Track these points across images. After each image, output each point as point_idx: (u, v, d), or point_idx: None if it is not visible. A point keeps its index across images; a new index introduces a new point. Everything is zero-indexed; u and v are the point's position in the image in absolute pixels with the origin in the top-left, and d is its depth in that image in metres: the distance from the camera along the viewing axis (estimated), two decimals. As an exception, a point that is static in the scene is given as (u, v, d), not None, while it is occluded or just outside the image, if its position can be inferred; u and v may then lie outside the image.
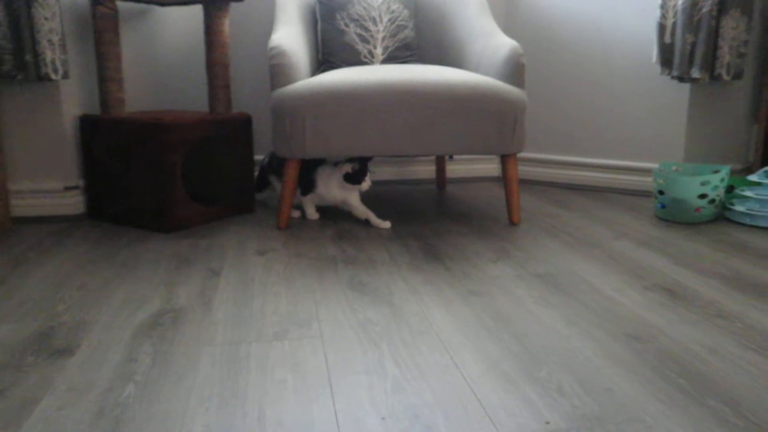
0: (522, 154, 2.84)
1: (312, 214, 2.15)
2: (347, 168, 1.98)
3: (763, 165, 2.44)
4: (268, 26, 2.59)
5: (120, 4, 2.31)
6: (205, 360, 1.12)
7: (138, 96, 2.41)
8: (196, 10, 2.49)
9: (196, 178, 2.04)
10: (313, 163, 2.08)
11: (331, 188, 2.05)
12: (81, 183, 2.18)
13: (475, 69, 2.17)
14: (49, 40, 1.90)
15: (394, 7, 2.28)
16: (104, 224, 2.08)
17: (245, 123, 2.18)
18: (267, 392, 1.02)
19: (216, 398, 1.00)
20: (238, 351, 1.16)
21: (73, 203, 2.15)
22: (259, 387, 1.03)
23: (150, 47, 2.41)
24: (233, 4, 2.54)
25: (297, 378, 1.06)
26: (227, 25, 2.13)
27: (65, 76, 1.95)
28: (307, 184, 2.08)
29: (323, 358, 1.13)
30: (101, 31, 2.00)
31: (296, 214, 2.17)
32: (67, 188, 2.13)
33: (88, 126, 2.09)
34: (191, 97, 2.54)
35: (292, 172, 1.97)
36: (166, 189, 1.94)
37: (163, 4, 2.36)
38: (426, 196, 2.55)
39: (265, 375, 1.07)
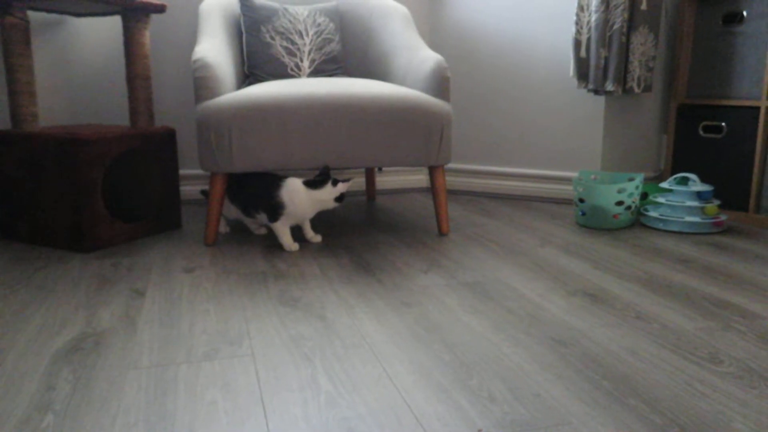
0: (449, 165, 2.90)
1: (291, 244, 1.90)
2: (338, 192, 1.87)
3: (673, 173, 2.59)
4: (191, 38, 2.53)
5: (32, 15, 2.20)
6: (130, 384, 1.08)
7: (54, 110, 2.31)
8: (115, 21, 2.41)
9: (118, 195, 1.96)
10: (271, 182, 1.89)
11: (303, 204, 1.87)
12: (-9, 202, 2.06)
13: (401, 82, 2.21)
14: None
15: (320, 20, 2.29)
16: (17, 244, 1.97)
17: (169, 137, 2.12)
18: (197, 415, 0.99)
19: (143, 424, 0.96)
20: (165, 373, 1.12)
21: (-17, 223, 2.03)
22: (189, 410, 1.00)
23: (66, 59, 2.32)
24: (154, 15, 2.48)
25: (228, 398, 1.04)
26: (148, 36, 2.07)
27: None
28: (274, 208, 1.86)
29: (255, 376, 1.11)
30: (11, 42, 1.91)
31: (224, 228, 2.13)
32: (-24, 208, 2.01)
33: (-2, 141, 1.98)
34: (111, 112, 2.45)
35: (218, 187, 1.93)
36: (85, 206, 1.86)
37: (78, 15, 2.27)
38: (356, 208, 2.55)
39: (194, 397, 1.04)
